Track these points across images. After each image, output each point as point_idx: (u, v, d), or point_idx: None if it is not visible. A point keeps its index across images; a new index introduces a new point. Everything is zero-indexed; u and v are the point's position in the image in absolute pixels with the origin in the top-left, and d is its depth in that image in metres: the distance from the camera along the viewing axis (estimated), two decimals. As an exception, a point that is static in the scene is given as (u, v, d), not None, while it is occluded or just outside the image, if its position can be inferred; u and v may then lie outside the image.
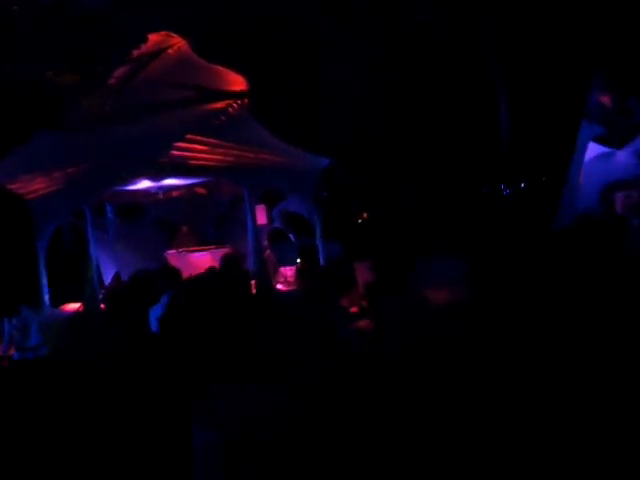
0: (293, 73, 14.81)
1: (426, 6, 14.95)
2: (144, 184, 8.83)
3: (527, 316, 6.51)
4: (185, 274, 9.47)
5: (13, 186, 8.61)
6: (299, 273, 8.42)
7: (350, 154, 18.59)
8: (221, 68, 9.11)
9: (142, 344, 5.85)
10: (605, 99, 8.61)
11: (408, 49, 17.62)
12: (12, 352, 7.21)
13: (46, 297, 9.24)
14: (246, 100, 9.13)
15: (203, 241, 10.64)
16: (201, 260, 9.86)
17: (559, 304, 6.61)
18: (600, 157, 9.25)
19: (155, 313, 6.12)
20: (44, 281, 9.27)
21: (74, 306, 9.11)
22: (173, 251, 10.21)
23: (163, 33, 9.23)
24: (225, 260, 8.42)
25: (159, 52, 9.01)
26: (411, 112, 19.68)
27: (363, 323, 8.64)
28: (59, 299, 9.39)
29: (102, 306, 8.29)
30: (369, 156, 19.80)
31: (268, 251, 10.40)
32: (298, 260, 9.86)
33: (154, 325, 6.11)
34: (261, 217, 9.94)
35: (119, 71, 8.41)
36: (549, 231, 9.44)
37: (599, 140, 8.96)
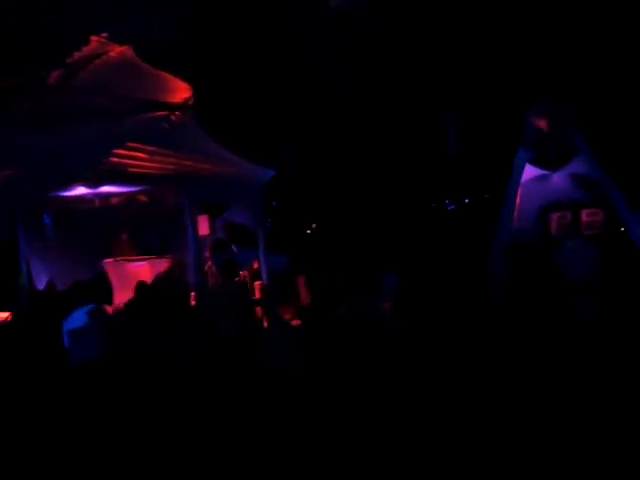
0: (241, 81, 14.77)
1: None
2: (80, 190, 8.52)
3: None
4: (121, 284, 9.26)
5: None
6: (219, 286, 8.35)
7: (301, 164, 18.67)
8: (165, 75, 8.94)
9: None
10: (541, 124, 8.91)
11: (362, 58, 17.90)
12: None
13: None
14: (190, 108, 8.98)
15: (144, 250, 10.37)
16: (139, 270, 9.62)
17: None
18: (537, 179, 9.54)
19: (69, 325, 5.93)
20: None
21: (2, 315, 8.72)
22: (111, 260, 9.92)
23: (105, 35, 8.99)
24: (164, 275, 8.27)
25: (101, 55, 8.75)
26: (365, 126, 19.94)
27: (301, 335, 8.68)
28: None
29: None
30: (319, 168, 19.91)
31: (209, 262, 10.22)
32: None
33: (66, 339, 5.93)
34: (203, 228, 9.75)
35: (58, 73, 8.11)
36: (487, 247, 9.71)
37: (535, 163, 9.26)
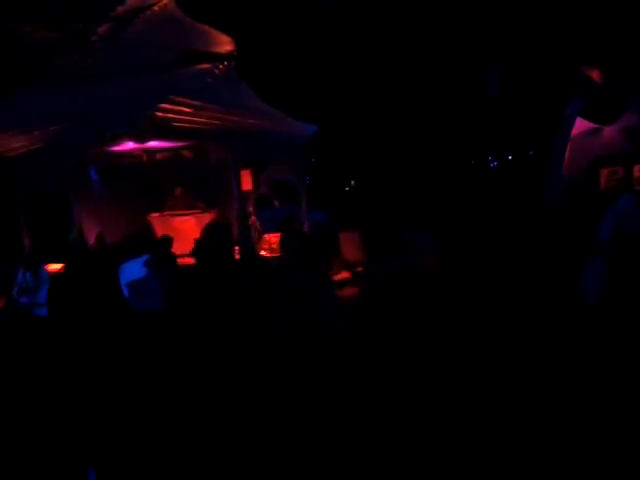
0: (284, 37, 14.56)
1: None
2: (128, 145, 8.67)
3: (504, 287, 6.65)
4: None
5: (-8, 143, 8.41)
6: (282, 241, 8.39)
7: (339, 121, 18.48)
8: (208, 28, 8.86)
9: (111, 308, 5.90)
10: (593, 74, 8.57)
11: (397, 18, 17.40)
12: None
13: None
14: (233, 62, 8.93)
15: (192, 205, 10.53)
16: (185, 224, 9.80)
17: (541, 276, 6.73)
18: (587, 132, 9.24)
19: (127, 275, 6.11)
20: (25, 241, 9.20)
21: (56, 267, 9.05)
22: (157, 214, 10.12)
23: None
24: (211, 228, 8.38)
25: (144, 9, 8.72)
26: (402, 83, 19.53)
27: (348, 290, 8.77)
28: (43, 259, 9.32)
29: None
30: (359, 124, 19.68)
31: (253, 217, 10.34)
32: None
33: (125, 289, 6.12)
34: (246, 183, 9.83)
35: (102, 28, 8.13)
36: (536, 205, 9.50)
37: (586, 115, 8.94)
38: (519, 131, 19.74)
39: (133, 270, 6.16)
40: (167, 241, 7.59)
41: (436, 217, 11.05)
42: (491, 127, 19.88)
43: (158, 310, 6.01)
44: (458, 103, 19.81)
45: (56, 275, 8.57)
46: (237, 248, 9.08)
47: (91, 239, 10.25)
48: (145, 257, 6.23)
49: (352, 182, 21.92)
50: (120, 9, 8.33)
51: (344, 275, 9.49)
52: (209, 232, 7.40)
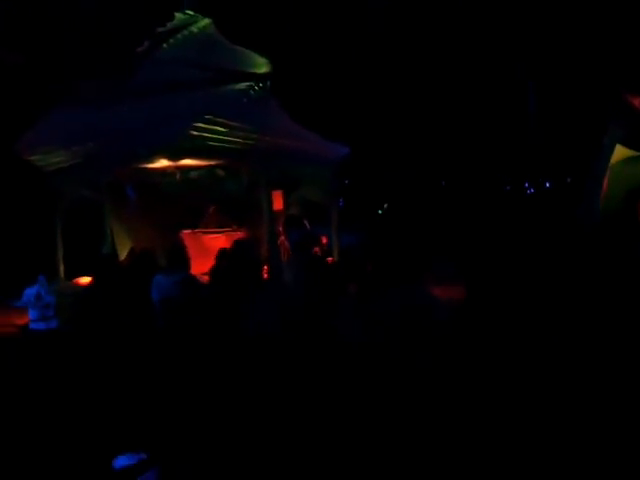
0: (317, 59, 14.71)
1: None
2: (162, 163, 8.81)
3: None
4: (198, 254, 9.50)
5: (33, 158, 8.65)
6: (290, 262, 8.36)
7: (374, 143, 18.48)
8: (244, 50, 9.02)
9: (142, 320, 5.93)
10: (635, 101, 8.34)
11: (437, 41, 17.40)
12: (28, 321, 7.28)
13: (61, 269, 9.37)
14: (268, 82, 9.04)
15: (224, 223, 10.63)
16: (215, 242, 9.87)
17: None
18: (627, 161, 8.96)
19: (159, 292, 6.12)
20: (60, 254, 9.38)
21: (87, 280, 9.20)
22: (188, 231, 10.22)
23: (188, 12, 9.18)
24: (237, 245, 8.39)
25: (182, 30, 8.95)
26: (438, 106, 19.46)
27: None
28: (73, 272, 9.50)
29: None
30: (392, 147, 19.64)
31: (282, 237, 10.35)
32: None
33: (158, 306, 6.13)
34: (277, 203, 9.88)
35: (143, 46, 8.36)
36: (573, 231, 9.20)
37: (626, 143, 8.68)
38: (558, 156, 19.39)
39: (165, 286, 6.17)
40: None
41: (466, 245, 10.85)
42: (528, 151, 19.59)
43: (188, 325, 6.02)
44: (495, 126, 19.60)
45: (85, 288, 8.72)
46: (266, 267, 9.08)
47: (123, 254, 10.41)
48: (179, 275, 6.24)
49: (385, 205, 21.81)
50: (160, 29, 8.58)
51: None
52: (233, 249, 7.38)
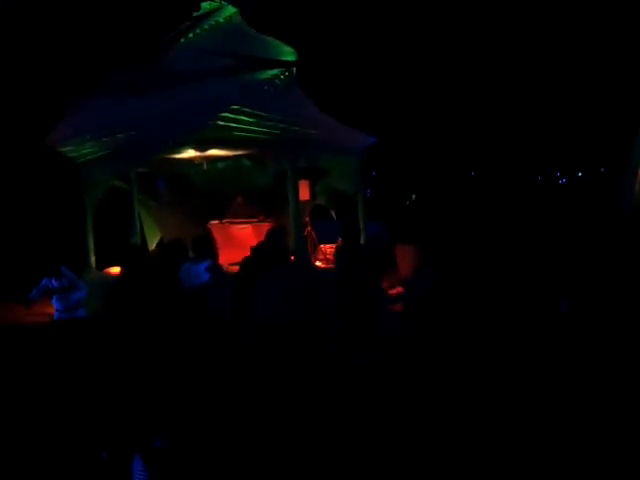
0: (344, 47, 14.57)
1: None
2: (189, 153, 8.85)
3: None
4: (225, 245, 9.55)
5: (64, 149, 8.78)
6: (338, 252, 8.29)
7: (402, 134, 18.29)
8: (270, 38, 8.98)
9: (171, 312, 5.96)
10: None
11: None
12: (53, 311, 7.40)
13: (92, 259, 9.51)
14: (294, 71, 8.99)
15: (251, 214, 10.65)
16: (243, 232, 9.90)
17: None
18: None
19: (190, 280, 6.15)
20: (90, 244, 9.52)
21: (117, 269, 9.32)
22: (216, 222, 10.27)
23: (216, 1, 9.17)
24: (271, 233, 8.37)
25: (208, 19, 8.96)
26: (468, 95, 19.14)
27: (399, 306, 8.56)
28: (104, 262, 9.64)
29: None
30: (421, 137, 19.40)
31: (309, 227, 10.33)
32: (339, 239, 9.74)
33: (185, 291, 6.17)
34: (304, 193, 9.84)
35: (169, 36, 8.39)
36: (620, 221, 8.93)
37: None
38: (591, 145, 18.92)
39: (194, 274, 6.20)
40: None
41: (496, 238, 10.65)
42: (560, 140, 19.15)
43: (218, 313, 6.06)
44: (526, 115, 19.20)
45: (116, 278, 8.83)
46: (293, 258, 9.06)
47: (152, 245, 10.53)
48: (207, 262, 6.27)
49: (413, 196, 21.61)
50: (186, 20, 8.59)
51: (399, 290, 9.29)
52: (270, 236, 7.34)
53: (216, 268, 6.38)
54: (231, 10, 9.33)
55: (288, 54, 9.00)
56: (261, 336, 5.21)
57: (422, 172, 21.09)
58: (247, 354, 5.35)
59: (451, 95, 18.25)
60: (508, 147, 19.76)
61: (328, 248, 10.04)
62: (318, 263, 9.99)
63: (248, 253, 8.54)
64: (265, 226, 10.03)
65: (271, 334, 5.12)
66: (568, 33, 16.65)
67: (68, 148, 8.87)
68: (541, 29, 17.15)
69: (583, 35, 16.29)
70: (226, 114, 7.97)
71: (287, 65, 8.83)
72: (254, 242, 9.05)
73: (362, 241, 10.02)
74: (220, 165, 10.29)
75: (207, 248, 6.38)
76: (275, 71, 8.59)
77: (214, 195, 11.32)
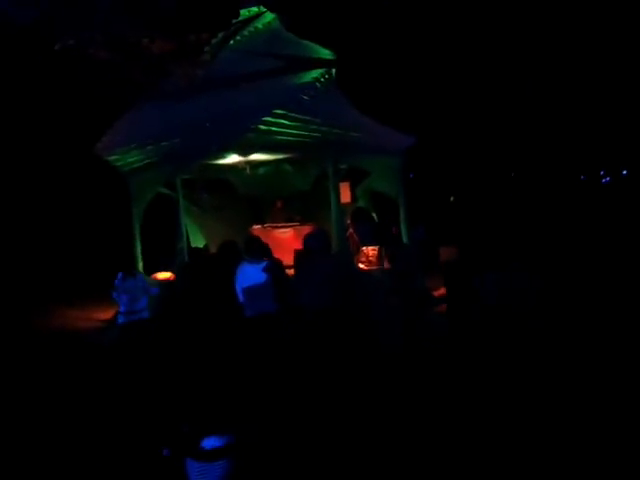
0: (384, 49, 14.56)
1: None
2: (232, 158, 8.98)
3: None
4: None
5: (111, 158, 9.01)
6: (387, 253, 8.32)
7: (441, 135, 18.15)
8: (309, 42, 9.04)
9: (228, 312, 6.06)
10: None
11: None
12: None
13: (140, 265, 9.71)
14: (334, 73, 9.04)
15: (291, 217, 10.74)
16: (284, 236, 9.97)
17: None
18: None
19: (241, 283, 6.21)
20: (138, 250, 9.73)
21: (165, 275, 9.51)
22: (258, 226, 10.38)
23: (254, 8, 9.32)
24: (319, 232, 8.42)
25: (249, 26, 9.10)
26: (509, 93, 18.89)
27: (443, 307, 8.49)
28: (151, 268, 9.84)
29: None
30: (460, 137, 19.22)
31: (351, 230, 10.33)
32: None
33: (240, 295, 6.24)
34: (345, 195, 9.85)
35: (209, 44, 8.54)
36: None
37: None
38: (635, 144, 18.42)
39: (250, 275, 6.25)
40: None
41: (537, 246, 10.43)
42: (603, 139, 18.72)
43: (272, 313, 6.11)
44: (567, 115, 18.83)
45: (167, 283, 9.02)
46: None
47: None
48: (263, 263, 6.32)
49: (451, 198, 21.41)
50: (226, 26, 8.74)
51: (442, 291, 9.21)
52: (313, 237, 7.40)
53: (275, 266, 6.41)
54: (270, 16, 9.46)
55: (327, 55, 9.05)
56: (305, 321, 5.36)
57: (460, 173, 20.87)
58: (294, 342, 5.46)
59: (491, 94, 18.04)
60: (549, 146, 19.40)
61: (370, 250, 10.02)
62: (361, 265, 9.98)
63: (292, 256, 8.67)
64: (306, 229, 10.09)
65: (314, 318, 5.27)
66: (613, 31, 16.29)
67: (115, 157, 9.09)
68: (588, 28, 16.85)
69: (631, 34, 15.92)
70: (268, 118, 8.05)
71: (328, 64, 8.86)
72: (297, 245, 9.16)
73: (405, 243, 10.00)
74: (261, 170, 10.39)
75: (260, 249, 6.41)
76: (315, 74, 8.63)
77: (254, 200, 11.46)
